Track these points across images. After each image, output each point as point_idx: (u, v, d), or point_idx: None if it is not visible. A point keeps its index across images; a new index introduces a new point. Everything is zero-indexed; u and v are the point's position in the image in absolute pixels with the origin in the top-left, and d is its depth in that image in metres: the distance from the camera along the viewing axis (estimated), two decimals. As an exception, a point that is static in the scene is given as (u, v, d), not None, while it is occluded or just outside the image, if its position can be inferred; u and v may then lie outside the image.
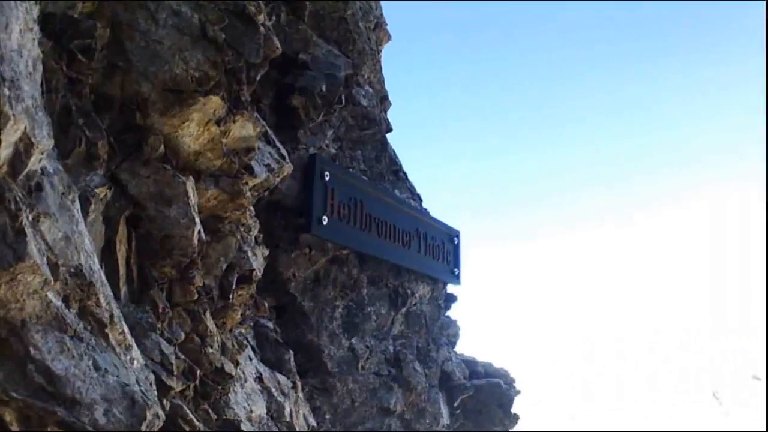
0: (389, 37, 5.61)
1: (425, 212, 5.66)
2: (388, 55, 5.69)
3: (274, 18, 4.06)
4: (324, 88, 4.25)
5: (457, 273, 5.95)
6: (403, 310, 5.18)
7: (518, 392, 6.51)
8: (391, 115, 5.58)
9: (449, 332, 6.06)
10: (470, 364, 6.36)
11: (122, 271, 2.66)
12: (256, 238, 3.56)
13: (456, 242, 6.00)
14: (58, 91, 2.29)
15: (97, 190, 2.43)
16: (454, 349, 6.17)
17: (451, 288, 6.07)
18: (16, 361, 1.75)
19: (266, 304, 3.95)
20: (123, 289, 2.66)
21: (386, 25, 5.56)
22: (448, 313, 6.14)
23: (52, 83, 2.24)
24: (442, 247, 5.73)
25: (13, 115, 1.62)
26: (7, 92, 1.61)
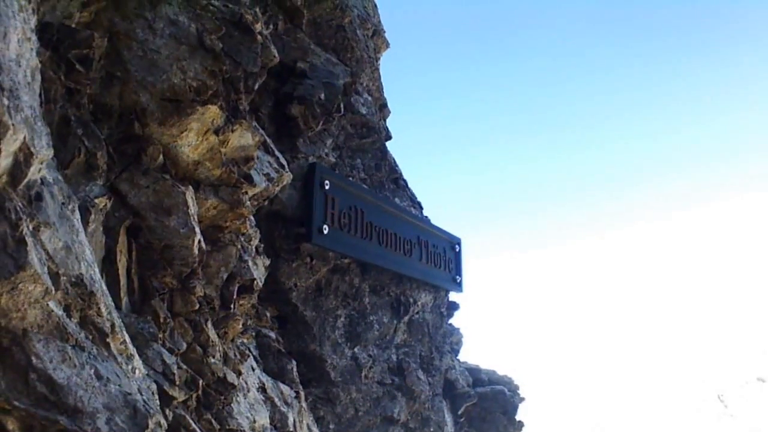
0: (387, 45, 5.61)
1: (426, 220, 5.66)
2: (386, 62, 5.71)
3: (271, 27, 4.07)
4: (323, 96, 4.25)
5: (459, 281, 5.95)
6: (406, 318, 5.17)
7: (522, 399, 6.50)
8: (391, 122, 5.60)
9: (452, 340, 6.06)
10: (474, 371, 6.36)
11: (123, 281, 2.66)
12: (257, 247, 3.56)
13: (457, 250, 6.00)
14: (57, 101, 2.30)
15: (96, 201, 2.44)
16: (458, 357, 6.17)
17: (453, 296, 6.07)
18: (17, 370, 1.76)
19: (268, 314, 3.95)
20: (124, 299, 2.66)
21: (384, 32, 5.57)
22: (451, 321, 6.14)
23: (51, 93, 2.25)
24: (443, 255, 5.72)
25: (13, 124, 1.63)
26: (6, 102, 1.61)
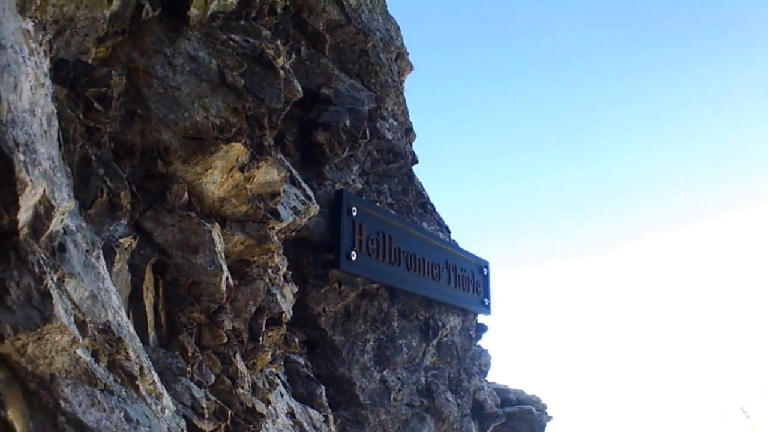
0: (411, 67, 5.61)
1: (454, 244, 5.64)
2: (409, 83, 5.70)
3: (294, 55, 4.08)
4: (348, 122, 4.25)
5: (487, 303, 5.92)
6: (435, 341, 5.16)
7: (550, 418, 6.48)
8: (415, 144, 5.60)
9: (481, 362, 6.03)
10: (502, 391, 6.34)
11: (150, 317, 2.66)
12: (284, 275, 3.56)
13: (485, 273, 5.98)
14: (76, 141, 2.28)
15: (121, 241, 2.43)
16: (486, 378, 6.14)
17: (481, 318, 6.05)
18: (46, 413, 1.76)
19: (297, 340, 3.94)
20: (151, 334, 2.67)
21: (408, 54, 5.55)
22: (479, 342, 6.11)
23: (70, 132, 2.24)
24: (471, 279, 5.71)
25: (31, 180, 1.61)
26: (22, 158, 1.59)
